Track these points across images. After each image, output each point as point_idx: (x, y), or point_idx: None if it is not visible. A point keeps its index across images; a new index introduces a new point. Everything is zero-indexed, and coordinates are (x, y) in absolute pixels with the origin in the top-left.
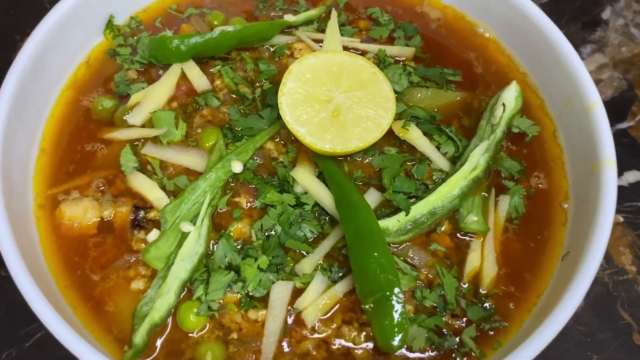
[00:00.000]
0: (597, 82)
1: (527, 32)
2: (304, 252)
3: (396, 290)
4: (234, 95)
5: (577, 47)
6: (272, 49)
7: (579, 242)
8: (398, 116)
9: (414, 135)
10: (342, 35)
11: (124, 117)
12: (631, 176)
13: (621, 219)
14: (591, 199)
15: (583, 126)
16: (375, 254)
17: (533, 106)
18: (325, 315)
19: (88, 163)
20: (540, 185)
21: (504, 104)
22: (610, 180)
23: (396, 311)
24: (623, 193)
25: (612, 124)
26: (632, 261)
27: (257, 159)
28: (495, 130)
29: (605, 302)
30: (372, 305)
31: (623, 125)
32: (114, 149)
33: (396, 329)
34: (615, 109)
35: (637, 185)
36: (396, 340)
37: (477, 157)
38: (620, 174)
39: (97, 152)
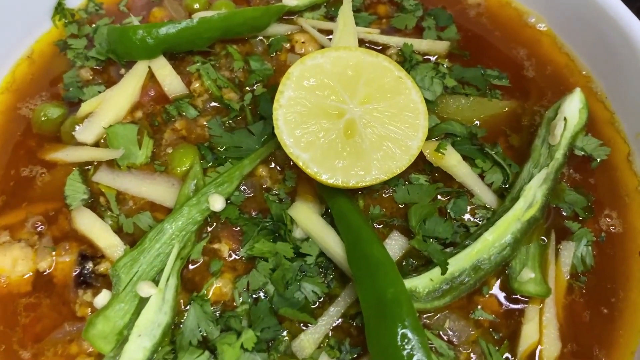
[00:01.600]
0: None
1: (593, 24)
2: (304, 324)
3: None
4: (216, 104)
5: None
6: (267, 42)
7: None
8: (429, 133)
9: (452, 162)
10: (356, 24)
11: (73, 132)
12: None
13: None
14: None
15: None
16: (403, 333)
17: (600, 121)
18: None
19: (24, 193)
20: (612, 229)
21: (565, 119)
22: None
23: None
24: None
25: None
26: None
27: (244, 190)
28: (554, 153)
29: None
30: None
31: None
32: (58, 175)
33: None
34: None
35: None
36: None
37: (534, 191)
38: None
39: (36, 178)
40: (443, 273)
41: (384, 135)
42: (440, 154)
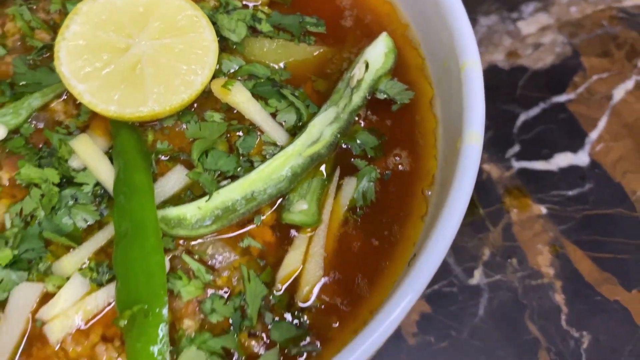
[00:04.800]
0: (537, 46)
1: None
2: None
3: (159, 307)
4: (29, 43)
5: (517, 4)
6: None
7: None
8: (232, 74)
9: (239, 98)
10: None
11: None
12: (562, 159)
13: (544, 211)
14: (446, 185)
15: (456, 90)
16: (143, 252)
17: (412, 66)
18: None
19: None
20: (400, 167)
21: (366, 62)
22: (468, 161)
23: (154, 334)
24: (550, 179)
25: (548, 96)
26: (551, 262)
27: (35, 123)
28: (353, 95)
29: (511, 311)
30: (126, 321)
31: (561, 98)
32: None
33: (149, 356)
34: (555, 79)
35: (568, 171)
36: None
37: (319, 128)
38: (550, 155)
39: None
40: (209, 199)
41: (168, 69)
42: (226, 90)
